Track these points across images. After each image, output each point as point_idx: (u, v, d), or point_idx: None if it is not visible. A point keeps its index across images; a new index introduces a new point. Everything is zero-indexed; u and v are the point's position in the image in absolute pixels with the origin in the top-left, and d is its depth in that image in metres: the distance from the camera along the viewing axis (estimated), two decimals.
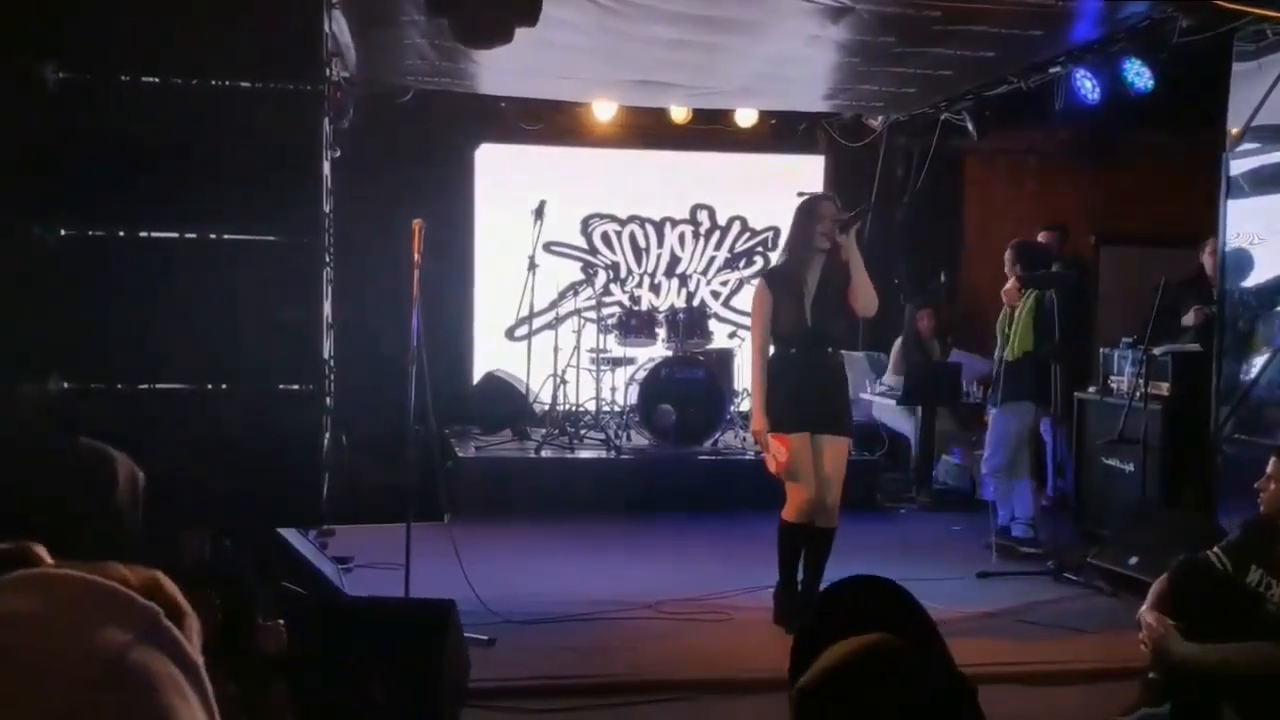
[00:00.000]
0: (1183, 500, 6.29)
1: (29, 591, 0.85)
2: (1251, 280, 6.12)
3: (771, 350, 5.30)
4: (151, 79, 4.08)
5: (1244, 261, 6.14)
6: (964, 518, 7.14)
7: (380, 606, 4.42)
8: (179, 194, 4.06)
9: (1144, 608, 4.03)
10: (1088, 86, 6.98)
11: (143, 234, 4.12)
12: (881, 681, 1.38)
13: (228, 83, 4.03)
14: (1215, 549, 4.08)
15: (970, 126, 8.36)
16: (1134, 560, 5.84)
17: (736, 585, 5.91)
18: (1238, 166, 6.10)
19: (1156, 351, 6.65)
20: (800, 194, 8.91)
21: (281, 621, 3.55)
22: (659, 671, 4.70)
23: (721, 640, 5.17)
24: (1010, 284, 6.75)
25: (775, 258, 5.92)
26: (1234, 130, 6.13)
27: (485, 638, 4.86)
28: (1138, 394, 6.58)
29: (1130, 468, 6.70)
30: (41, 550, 1.52)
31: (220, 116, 4.05)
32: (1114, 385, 7.03)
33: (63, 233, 4.09)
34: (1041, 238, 7.96)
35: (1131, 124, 7.96)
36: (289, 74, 4.06)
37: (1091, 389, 7.28)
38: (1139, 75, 6.65)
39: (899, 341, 8.70)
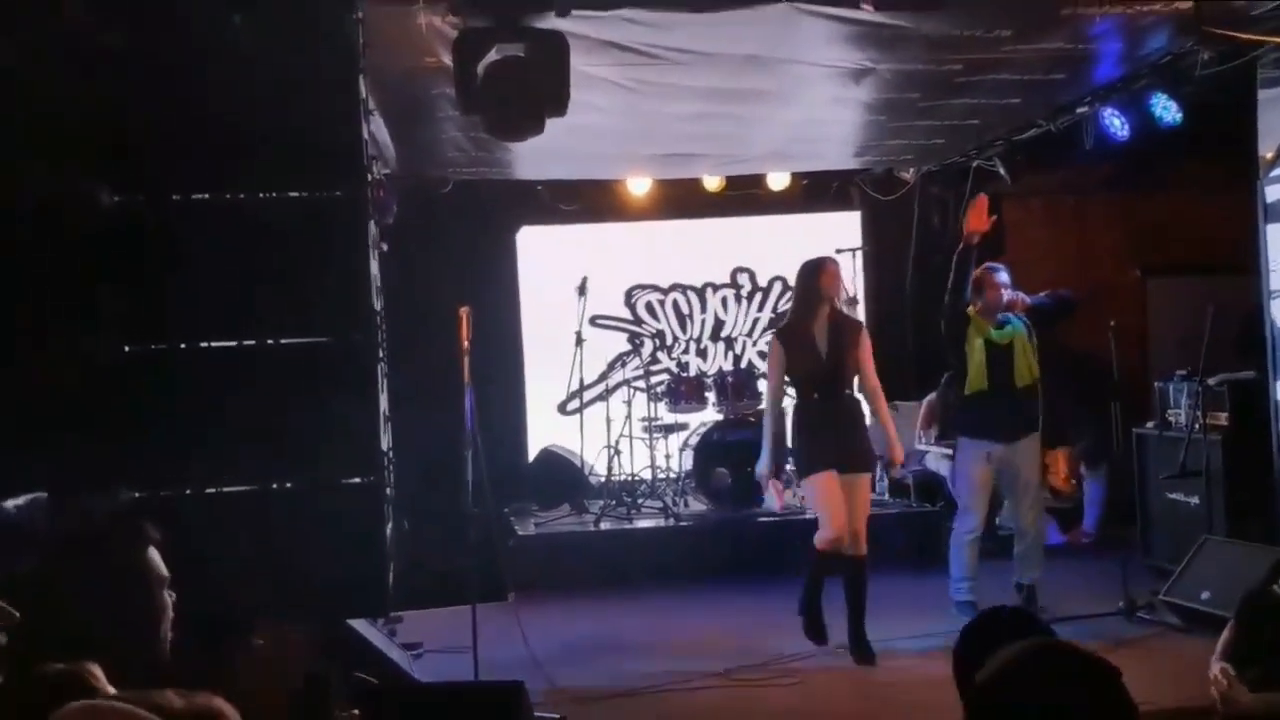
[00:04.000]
0: (1250, 530, 6.18)
1: None
2: None
3: (794, 400, 5.80)
4: (201, 195, 4.28)
5: None
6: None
7: (451, 691, 4.48)
8: (234, 304, 4.23)
9: (1214, 656, 3.97)
10: (1116, 124, 7.00)
11: (202, 344, 4.29)
12: (1053, 673, 1.56)
13: (275, 194, 4.22)
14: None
15: (1003, 171, 8.40)
16: (1205, 595, 5.75)
17: (805, 646, 5.89)
18: (1274, 192, 6.09)
19: (1212, 382, 6.59)
20: (839, 250, 9.08)
21: (357, 712, 3.63)
22: None
23: (796, 704, 5.15)
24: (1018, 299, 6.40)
25: (787, 316, 6.32)
26: (1267, 155, 6.13)
27: (556, 716, 4.88)
28: (1196, 426, 6.51)
29: (1195, 501, 6.61)
30: (97, 670, 1.60)
31: (269, 227, 4.22)
32: (1171, 419, 6.96)
33: (126, 348, 4.27)
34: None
35: (1164, 155, 7.94)
36: (332, 182, 4.24)
37: (1150, 424, 7.20)
38: (1166, 109, 6.67)
39: (929, 398, 8.55)
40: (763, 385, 9.10)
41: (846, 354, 5.81)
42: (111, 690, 1.59)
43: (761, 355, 9.93)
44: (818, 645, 5.82)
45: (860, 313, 9.07)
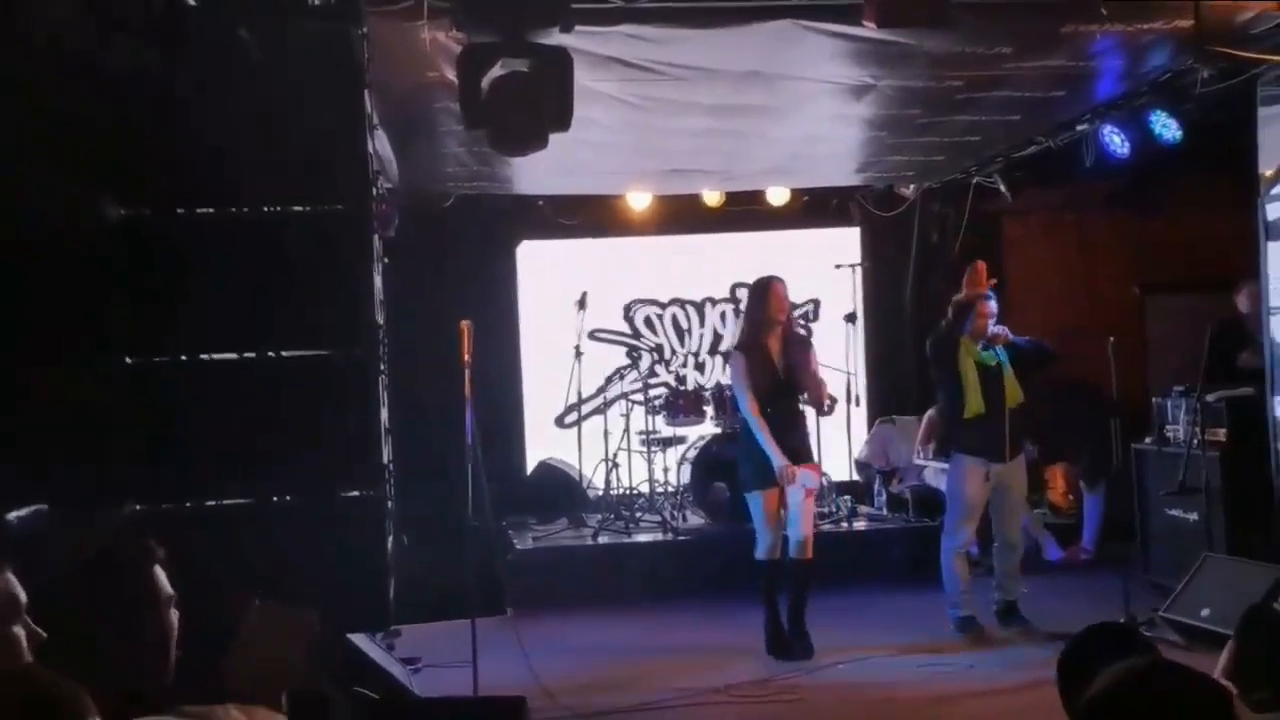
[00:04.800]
0: (1251, 547, 6.18)
1: None
2: None
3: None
4: (206, 210, 4.29)
5: None
6: (1030, 580, 7.04)
7: (452, 706, 4.47)
8: (237, 317, 4.24)
9: (1215, 674, 3.96)
10: (1116, 141, 7.03)
11: (204, 357, 4.29)
12: (1165, 693, 1.58)
13: (279, 209, 4.23)
14: None
15: (1003, 188, 8.43)
16: (1206, 612, 5.74)
17: (804, 664, 5.89)
18: (1275, 210, 6.11)
19: (1210, 398, 6.60)
20: (838, 266, 9.10)
21: None
22: None
23: None
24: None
25: (737, 333, 6.69)
26: (1266, 172, 6.15)
27: None
28: (1195, 442, 6.52)
29: (1194, 517, 6.61)
30: (88, 701, 1.59)
31: (274, 241, 4.23)
32: (1170, 435, 6.96)
33: (129, 360, 4.27)
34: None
35: (1164, 173, 7.98)
36: (337, 196, 4.25)
37: (1148, 440, 7.21)
38: (1166, 126, 6.70)
39: (930, 413, 8.57)
40: None
41: (798, 370, 6.15)
42: None
43: None
44: (778, 659, 5.97)
45: (859, 328, 9.09)
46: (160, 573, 2.18)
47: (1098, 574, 7.36)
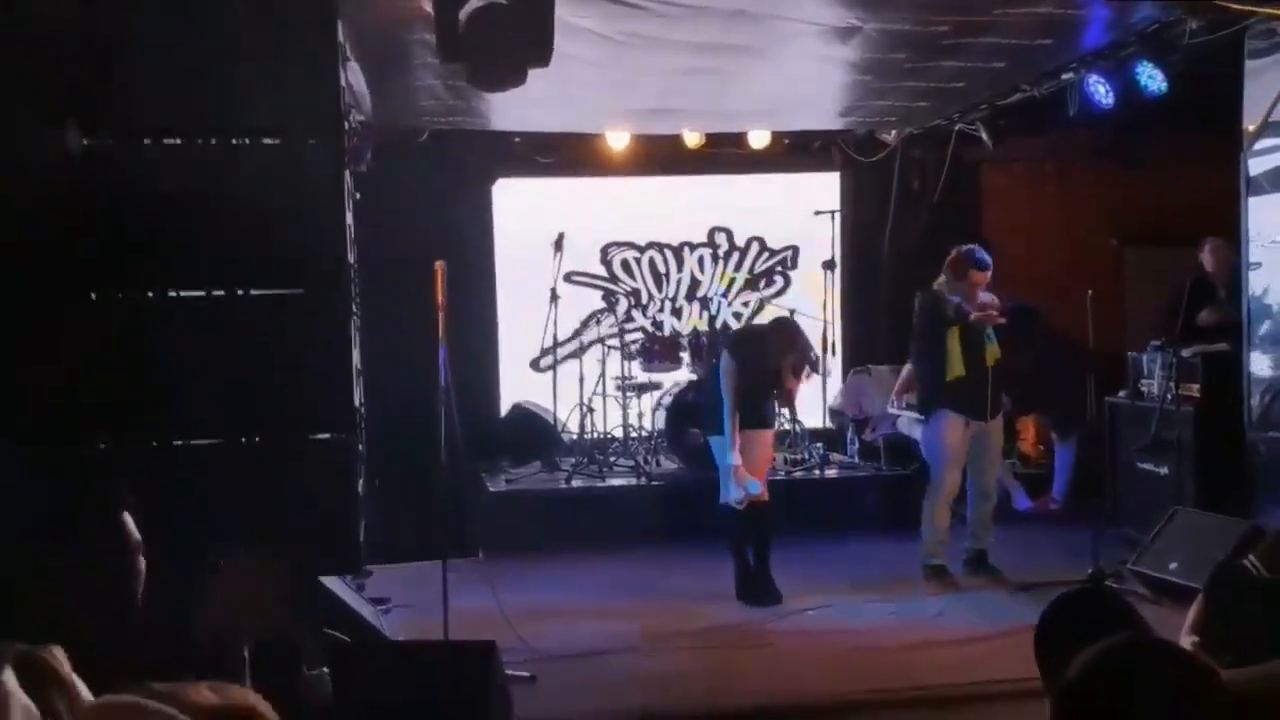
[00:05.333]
0: (1220, 502, 6.23)
1: None
2: (1278, 278, 6.07)
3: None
4: (173, 141, 4.15)
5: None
6: (999, 530, 7.08)
7: (423, 650, 4.45)
8: (204, 253, 4.13)
9: (1184, 630, 3.99)
10: (1101, 91, 6.95)
11: (171, 294, 4.18)
12: (1142, 671, 1.55)
13: (248, 141, 4.10)
14: (1251, 556, 4.03)
15: (985, 136, 8.35)
16: (1174, 565, 5.79)
17: (773, 610, 5.91)
18: (1256, 165, 6.07)
19: (1186, 353, 6.60)
20: (817, 212, 9.01)
21: (326, 670, 3.58)
22: (701, 702, 4.70)
23: (762, 667, 5.16)
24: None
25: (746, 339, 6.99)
26: (1250, 127, 6.10)
27: (527, 674, 4.87)
28: (1169, 397, 6.53)
29: (1165, 471, 6.65)
30: (60, 654, 1.53)
31: (242, 174, 4.11)
32: (1144, 389, 6.98)
33: (93, 296, 4.15)
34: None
35: (1147, 125, 7.91)
36: (308, 129, 4.13)
37: (1122, 393, 7.23)
38: (1151, 78, 6.62)
39: (908, 367, 8.56)
40: None
41: (785, 390, 6.47)
42: (71, 674, 1.52)
43: (736, 316, 9.89)
44: (748, 605, 6.03)
45: (836, 275, 9.04)
46: (129, 520, 2.12)
47: (1067, 525, 7.41)
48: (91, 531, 2.01)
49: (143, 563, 2.07)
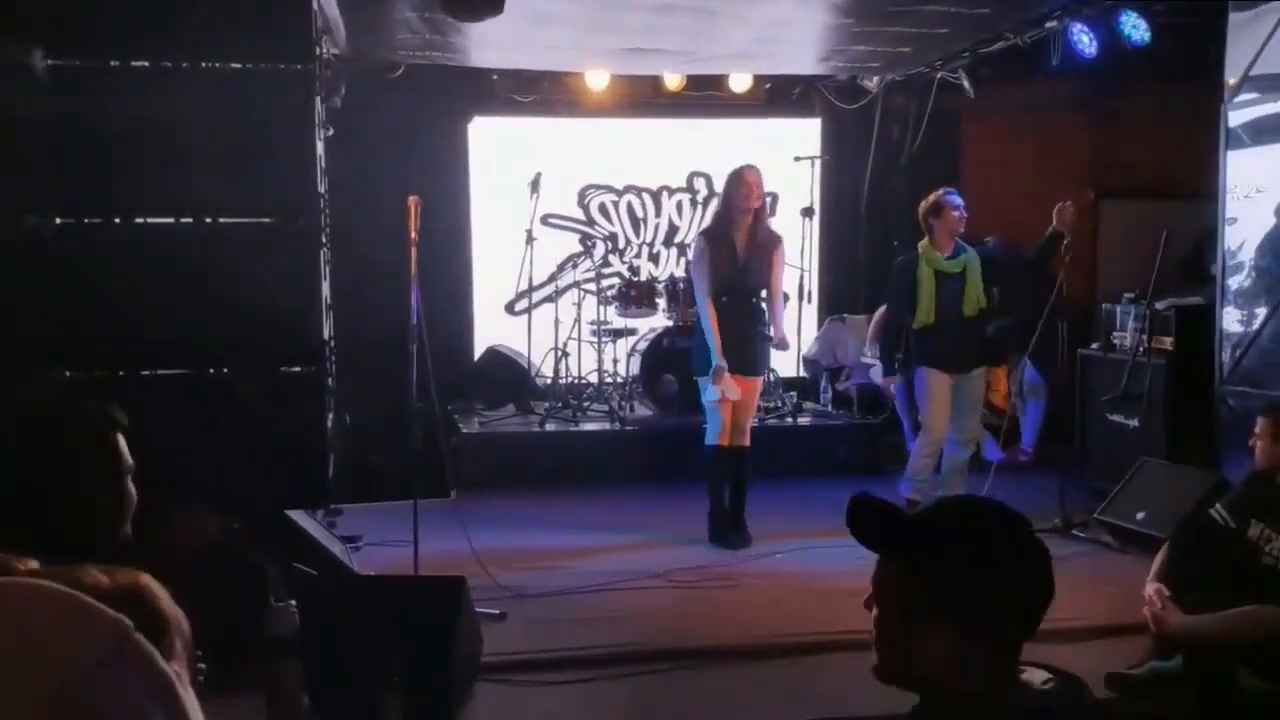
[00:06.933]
0: (1188, 454, 6.28)
1: None
2: (1254, 232, 6.08)
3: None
4: (141, 63, 4.05)
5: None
6: (969, 480, 7.12)
7: (391, 584, 4.44)
8: (172, 179, 4.04)
9: (1149, 577, 4.03)
10: (1084, 41, 6.91)
11: (138, 220, 4.10)
12: (977, 506, 1.72)
13: (218, 65, 4.00)
14: (1218, 505, 4.08)
15: (966, 85, 8.29)
16: (1141, 515, 5.85)
17: (742, 553, 5.94)
18: (1236, 118, 6.06)
19: (1160, 306, 6.63)
20: (797, 158, 8.95)
21: (293, 603, 3.56)
22: (669, 640, 4.72)
23: (729, 607, 5.19)
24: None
25: (708, 219, 6.78)
26: (1231, 80, 6.07)
27: (496, 612, 4.88)
28: (1141, 349, 6.56)
29: (1135, 423, 6.69)
30: (21, 563, 1.50)
31: (211, 99, 4.02)
32: (1117, 341, 7.01)
33: (58, 221, 4.07)
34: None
35: (1129, 77, 7.89)
36: (280, 54, 4.03)
37: (1094, 345, 7.26)
38: (1135, 28, 6.59)
39: (880, 311, 8.56)
40: None
41: (762, 264, 6.09)
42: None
43: None
44: (722, 548, 6.05)
45: (814, 223, 8.99)
46: (123, 442, 2.07)
47: (1036, 475, 7.46)
48: (86, 451, 1.96)
49: (133, 487, 2.03)
